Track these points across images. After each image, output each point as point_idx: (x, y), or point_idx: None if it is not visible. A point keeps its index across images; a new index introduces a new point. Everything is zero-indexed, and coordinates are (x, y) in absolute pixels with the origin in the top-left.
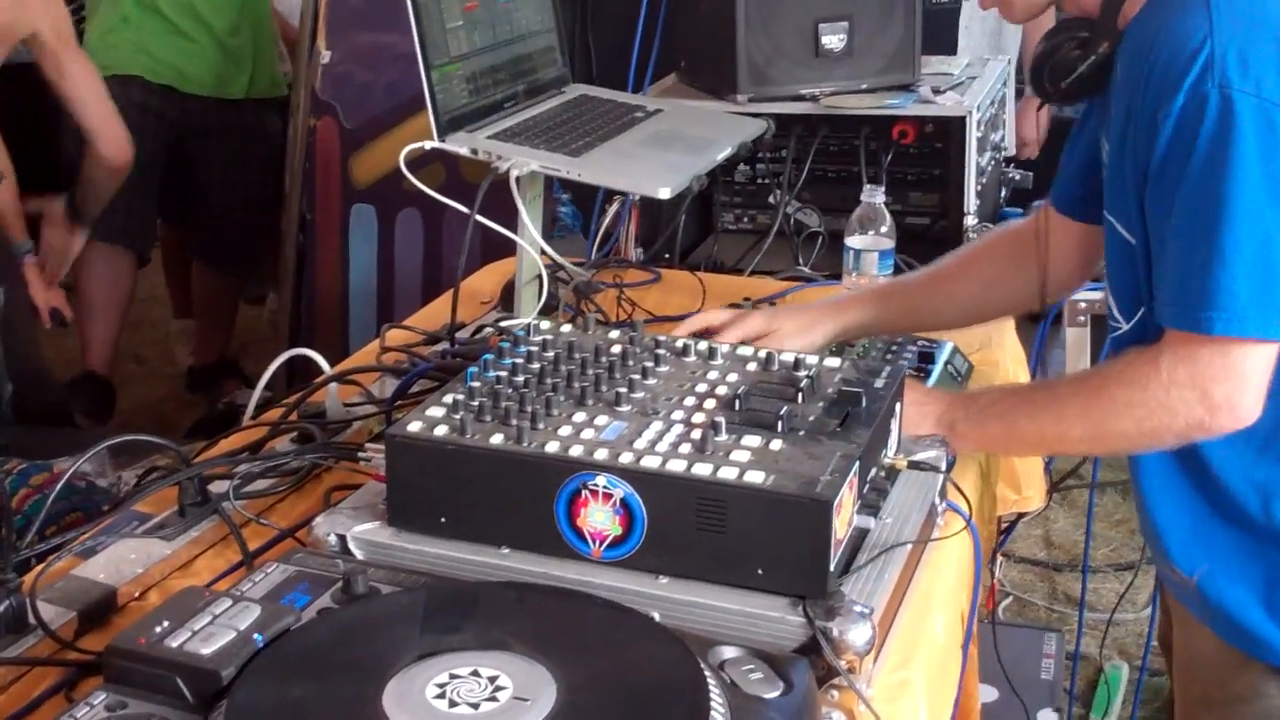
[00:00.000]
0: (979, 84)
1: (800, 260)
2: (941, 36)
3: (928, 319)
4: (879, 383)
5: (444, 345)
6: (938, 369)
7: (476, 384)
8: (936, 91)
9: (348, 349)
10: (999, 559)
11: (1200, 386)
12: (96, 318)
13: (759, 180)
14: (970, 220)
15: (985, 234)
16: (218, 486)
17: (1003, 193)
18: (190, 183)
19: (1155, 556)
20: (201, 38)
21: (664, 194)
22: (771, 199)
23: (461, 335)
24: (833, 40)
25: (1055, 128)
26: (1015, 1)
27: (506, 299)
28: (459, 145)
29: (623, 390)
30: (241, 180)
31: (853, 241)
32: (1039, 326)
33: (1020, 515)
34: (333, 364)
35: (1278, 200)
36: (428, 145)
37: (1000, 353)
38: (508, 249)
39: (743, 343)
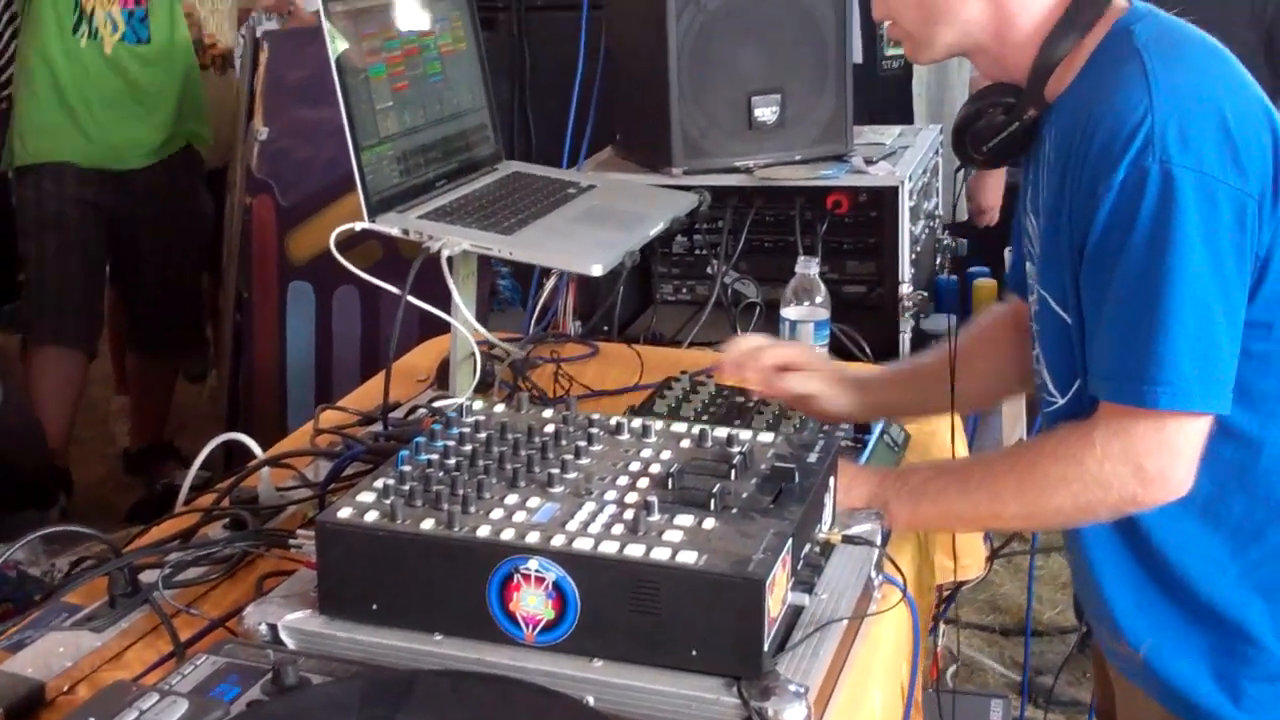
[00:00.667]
0: (911, 153)
1: (738, 331)
2: (897, 103)
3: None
4: (812, 457)
5: (377, 427)
6: (874, 440)
7: (408, 468)
8: (869, 162)
9: (286, 427)
10: (941, 627)
11: (1134, 461)
12: (50, 411)
13: (697, 251)
14: (905, 288)
15: (987, 313)
16: (149, 575)
17: (938, 259)
18: (122, 266)
19: (1099, 631)
20: (133, 106)
21: (596, 271)
22: (709, 270)
23: (396, 415)
24: (765, 113)
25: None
26: (919, 45)
27: (443, 377)
28: (390, 226)
29: (555, 471)
30: (171, 263)
31: (788, 313)
32: None
33: (961, 583)
34: (271, 443)
35: (1219, 274)
36: (358, 227)
37: (937, 421)
38: (445, 324)
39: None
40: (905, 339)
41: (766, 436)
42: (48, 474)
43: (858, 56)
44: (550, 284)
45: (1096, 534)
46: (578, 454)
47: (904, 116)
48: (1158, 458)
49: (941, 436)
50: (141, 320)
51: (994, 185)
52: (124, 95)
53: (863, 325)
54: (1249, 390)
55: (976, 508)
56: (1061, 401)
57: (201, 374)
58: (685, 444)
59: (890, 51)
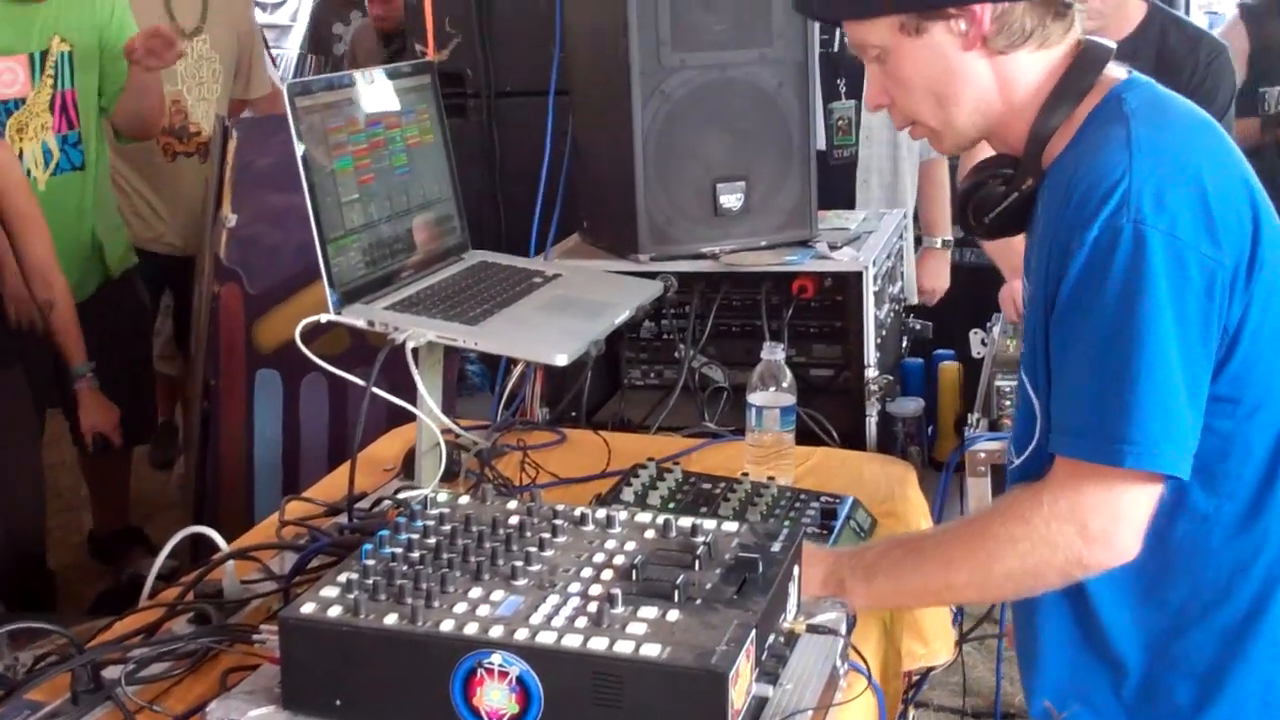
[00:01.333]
0: (875, 238)
1: (706, 416)
2: (846, 191)
3: None
4: (776, 547)
5: (343, 519)
6: (840, 525)
7: (371, 561)
8: (833, 247)
9: (254, 515)
10: (911, 711)
11: (1080, 520)
12: None
13: (664, 336)
14: (871, 372)
15: None
16: (113, 671)
17: (904, 343)
18: (62, 369)
19: (1028, 693)
20: (82, 235)
21: (560, 361)
22: (677, 354)
23: (362, 506)
24: (731, 200)
25: (956, 275)
26: (944, 134)
27: (409, 466)
28: (356, 318)
29: (519, 563)
30: (111, 360)
31: (754, 398)
32: (940, 478)
33: (930, 668)
34: (239, 531)
35: (1184, 340)
36: (324, 319)
37: (904, 505)
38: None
39: None
40: (872, 423)
41: (731, 526)
42: (40, 581)
43: (821, 144)
44: (518, 370)
45: (1044, 601)
46: (542, 546)
47: (852, 203)
48: (1103, 517)
49: (910, 521)
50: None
51: (935, 268)
52: (70, 227)
53: (830, 409)
54: (1208, 468)
55: (929, 578)
56: (1017, 462)
57: (170, 461)
58: (650, 534)
59: (840, 140)
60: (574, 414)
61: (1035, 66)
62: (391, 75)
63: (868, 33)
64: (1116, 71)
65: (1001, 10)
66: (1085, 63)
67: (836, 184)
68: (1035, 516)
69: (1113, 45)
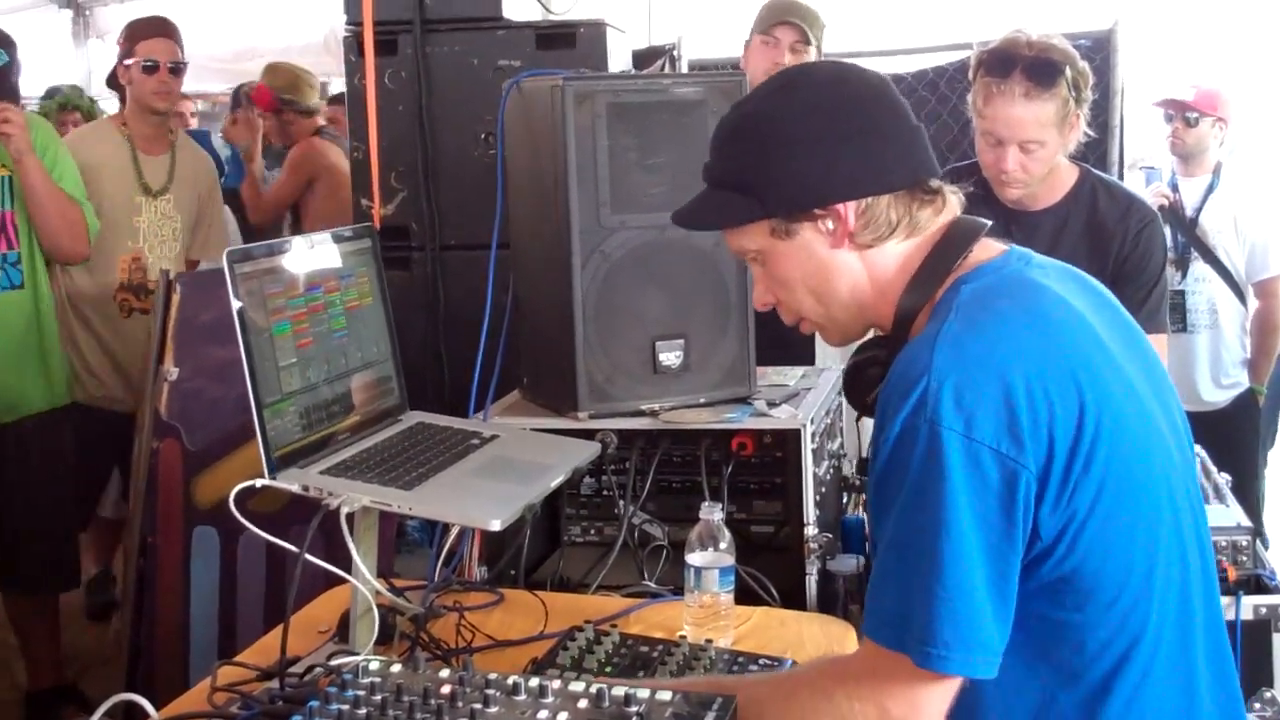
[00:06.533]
0: (813, 395)
1: (645, 575)
2: (802, 340)
3: None
4: (709, 717)
5: (276, 684)
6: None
7: None
8: (771, 404)
9: (189, 675)
10: None
11: (880, 703)
12: None
13: (605, 492)
14: (810, 530)
15: None
16: None
17: (845, 499)
18: None
19: None
20: (17, 358)
21: (494, 527)
22: (617, 511)
23: (295, 670)
24: (670, 357)
25: None
26: (829, 327)
27: (344, 628)
28: (290, 483)
29: None
30: (33, 501)
31: (693, 559)
32: None
33: None
34: (176, 691)
35: (987, 537)
36: (259, 483)
37: None
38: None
39: None
40: (812, 581)
41: (665, 695)
42: None
43: None
44: (455, 530)
45: None
46: (473, 717)
47: (808, 347)
48: (903, 705)
49: None
50: (9, 562)
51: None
52: (12, 343)
53: (770, 567)
54: (1047, 655)
55: None
56: None
57: (105, 610)
58: (582, 704)
59: None
60: (513, 572)
61: (904, 252)
62: (334, 239)
63: (743, 239)
64: (987, 250)
65: (865, 205)
66: (950, 244)
67: (793, 337)
68: (838, 693)
69: (985, 222)
